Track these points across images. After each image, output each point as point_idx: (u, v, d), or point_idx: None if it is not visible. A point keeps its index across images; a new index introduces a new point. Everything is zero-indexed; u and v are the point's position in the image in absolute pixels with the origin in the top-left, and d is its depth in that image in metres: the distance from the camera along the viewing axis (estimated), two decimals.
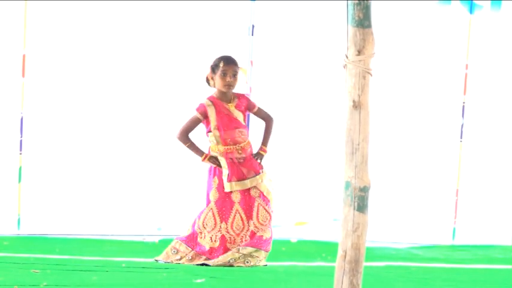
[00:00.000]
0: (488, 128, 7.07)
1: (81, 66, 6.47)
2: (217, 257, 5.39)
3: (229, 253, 5.39)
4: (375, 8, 3.16)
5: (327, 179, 6.77)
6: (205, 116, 5.47)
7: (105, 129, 6.55)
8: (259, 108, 5.60)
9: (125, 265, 5.25)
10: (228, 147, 5.46)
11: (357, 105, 3.13)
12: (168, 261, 5.41)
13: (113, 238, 6.44)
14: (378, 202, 6.41)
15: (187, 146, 5.50)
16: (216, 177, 5.50)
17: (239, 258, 5.37)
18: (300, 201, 6.87)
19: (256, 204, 5.47)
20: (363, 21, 3.11)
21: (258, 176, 5.49)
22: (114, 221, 6.58)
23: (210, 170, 5.54)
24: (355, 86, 3.14)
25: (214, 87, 5.49)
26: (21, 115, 6.40)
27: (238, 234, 5.47)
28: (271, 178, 5.59)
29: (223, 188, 5.46)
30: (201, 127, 5.53)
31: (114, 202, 6.57)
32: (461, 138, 7.04)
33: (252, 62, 6.70)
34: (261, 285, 4.79)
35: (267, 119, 5.62)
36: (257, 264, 5.38)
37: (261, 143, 5.60)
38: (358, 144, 3.15)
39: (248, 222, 5.46)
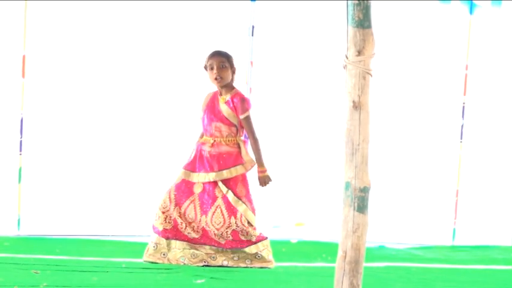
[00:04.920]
0: (488, 128, 7.07)
1: (81, 66, 6.47)
2: (170, 237, 5.38)
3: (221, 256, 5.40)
4: (374, 8, 3.16)
5: (327, 179, 6.77)
6: None
7: (105, 130, 6.54)
8: (246, 118, 5.38)
9: (125, 265, 5.26)
10: (204, 138, 5.48)
11: (357, 106, 3.13)
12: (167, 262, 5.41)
13: (113, 238, 6.44)
14: (378, 203, 6.41)
15: None
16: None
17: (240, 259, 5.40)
18: (300, 202, 6.86)
19: (215, 204, 5.41)
20: (363, 21, 3.12)
21: (206, 174, 5.40)
22: (114, 221, 6.57)
23: None
24: (355, 87, 3.14)
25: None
26: (21, 116, 6.40)
27: (189, 223, 5.41)
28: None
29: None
30: None
31: (114, 203, 6.56)
32: (461, 138, 7.04)
33: (252, 63, 6.70)
34: (261, 286, 4.79)
35: (249, 136, 5.43)
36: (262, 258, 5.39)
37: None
38: (358, 145, 3.15)
39: (201, 217, 5.40)
